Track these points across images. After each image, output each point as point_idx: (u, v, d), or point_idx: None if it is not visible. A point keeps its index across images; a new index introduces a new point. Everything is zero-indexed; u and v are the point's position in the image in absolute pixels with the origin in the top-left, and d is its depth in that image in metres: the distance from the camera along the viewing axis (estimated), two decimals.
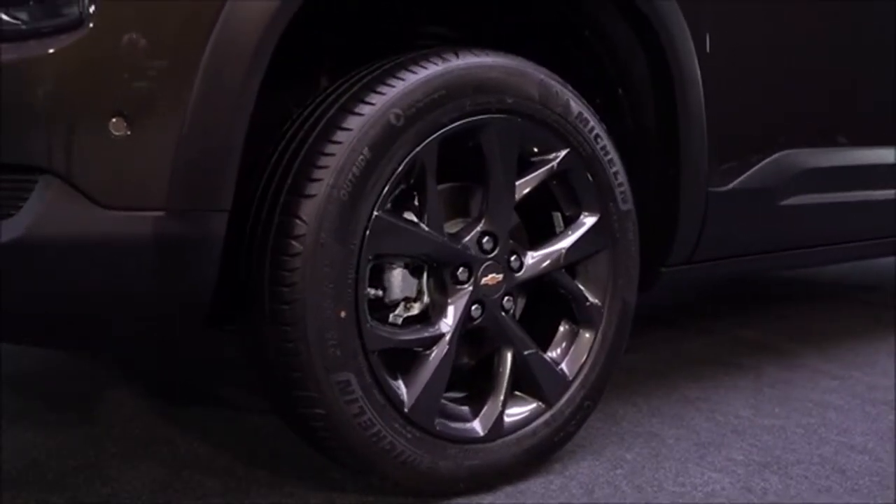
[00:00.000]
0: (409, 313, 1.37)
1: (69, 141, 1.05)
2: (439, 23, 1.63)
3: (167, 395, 1.92)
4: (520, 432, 1.44)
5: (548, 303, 1.53)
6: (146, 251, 1.10)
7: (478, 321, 1.39)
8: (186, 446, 1.60)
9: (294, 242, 1.19)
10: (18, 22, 1.04)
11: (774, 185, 1.80)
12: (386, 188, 1.25)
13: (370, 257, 1.26)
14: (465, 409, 1.42)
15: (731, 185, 1.72)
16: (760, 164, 1.77)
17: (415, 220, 1.32)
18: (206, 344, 2.28)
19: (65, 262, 1.07)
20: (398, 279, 1.33)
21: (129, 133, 1.07)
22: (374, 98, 1.24)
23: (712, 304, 3.07)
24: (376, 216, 1.24)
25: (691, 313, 2.86)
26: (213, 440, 1.62)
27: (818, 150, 1.89)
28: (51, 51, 1.03)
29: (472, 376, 1.48)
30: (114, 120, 1.06)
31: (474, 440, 1.38)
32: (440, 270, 1.36)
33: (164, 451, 1.57)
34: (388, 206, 1.27)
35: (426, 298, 1.37)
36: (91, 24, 1.04)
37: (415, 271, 1.36)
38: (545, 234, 1.50)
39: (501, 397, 1.42)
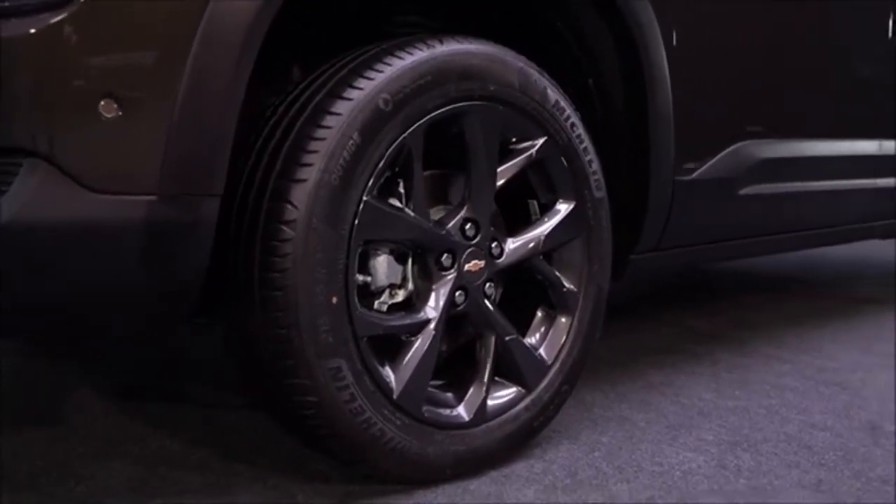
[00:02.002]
0: (394, 300, 1.37)
1: (57, 122, 1.02)
2: (410, 13, 1.63)
3: (129, 393, 1.87)
4: (502, 417, 1.45)
5: (524, 290, 1.55)
6: (137, 237, 1.07)
7: (461, 307, 1.40)
8: (158, 443, 1.56)
9: (285, 227, 1.17)
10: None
11: (733, 175, 1.86)
12: (374, 174, 1.25)
13: (360, 243, 1.25)
14: (449, 395, 1.43)
15: (694, 175, 1.77)
16: (720, 155, 1.82)
17: (400, 206, 1.32)
18: (163, 341, 2.23)
19: (52, 249, 1.04)
20: (384, 266, 1.33)
21: (119, 115, 1.04)
22: (362, 83, 1.24)
23: (660, 295, 3.15)
24: (365, 201, 1.24)
25: (645, 304, 2.92)
26: (184, 437, 1.59)
27: (772, 142, 1.96)
28: (36, 28, 1.00)
29: (449, 363, 1.48)
30: (103, 101, 1.03)
31: (460, 426, 1.39)
32: (425, 257, 1.36)
33: (136, 449, 1.53)
34: (375, 192, 1.27)
35: (410, 285, 1.37)
36: (80, 1, 1.01)
37: (399, 258, 1.36)
38: (521, 222, 1.52)
39: (485, 383, 1.43)
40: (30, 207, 1.01)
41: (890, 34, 2.32)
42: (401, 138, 1.27)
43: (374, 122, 1.23)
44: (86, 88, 1.02)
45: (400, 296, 1.37)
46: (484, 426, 1.42)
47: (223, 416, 1.70)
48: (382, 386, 1.29)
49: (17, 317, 1.07)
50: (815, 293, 3.29)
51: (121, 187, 1.06)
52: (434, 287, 1.37)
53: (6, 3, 1.00)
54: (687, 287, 3.38)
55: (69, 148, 1.02)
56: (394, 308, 1.37)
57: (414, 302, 1.37)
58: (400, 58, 1.27)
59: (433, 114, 1.30)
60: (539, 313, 1.55)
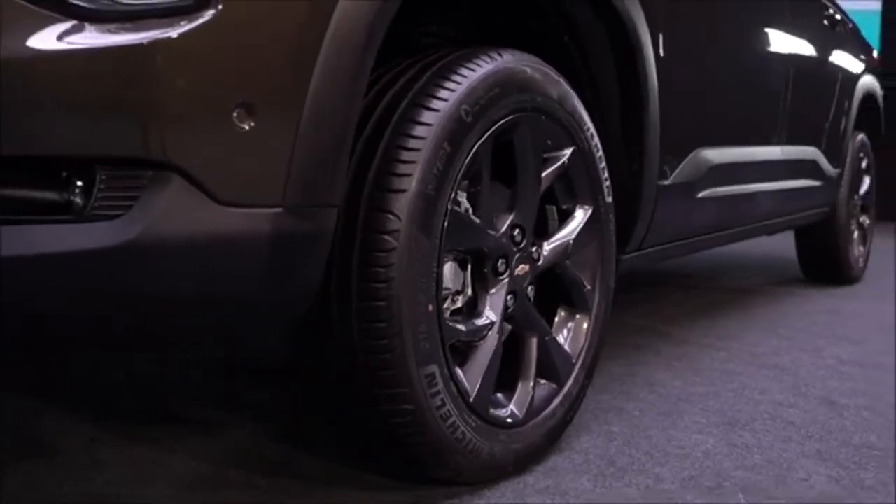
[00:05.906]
0: (454, 306, 1.40)
1: (190, 133, 0.98)
2: (422, 21, 1.66)
3: (106, 415, 1.75)
4: (544, 413, 1.51)
5: (545, 290, 1.62)
6: (262, 251, 1.04)
7: (510, 310, 1.45)
8: (182, 466, 1.48)
9: (388, 238, 1.18)
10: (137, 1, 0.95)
11: (694, 180, 2.03)
12: (456, 183, 1.27)
13: (448, 250, 1.28)
14: (499, 395, 1.47)
15: (669, 180, 1.92)
16: (685, 161, 1.99)
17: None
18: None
19: (180, 265, 0.99)
20: (450, 272, 1.36)
21: (252, 125, 1.01)
22: (443, 94, 1.26)
23: None
24: (451, 210, 1.26)
25: None
26: (206, 456, 1.52)
27: (718, 149, 2.16)
28: (168, 35, 0.95)
29: None
30: (237, 112, 1.00)
31: (517, 424, 1.44)
32: (482, 262, 1.40)
33: (161, 473, 1.45)
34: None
35: (469, 291, 1.41)
36: (219, 7, 0.97)
37: (460, 265, 1.39)
38: (544, 227, 1.59)
39: (531, 382, 1.49)
40: (161, 221, 0.97)
41: (786, 53, 2.62)
42: (475, 147, 1.30)
43: (459, 132, 1.26)
44: (221, 98, 0.99)
45: (459, 302, 1.40)
46: (532, 423, 1.48)
47: (231, 434, 1.64)
48: (462, 390, 1.32)
49: (146, 331, 1.01)
50: (703, 287, 3.60)
51: (248, 200, 1.03)
52: (490, 292, 1.41)
53: (143, 7, 0.95)
54: None
55: (202, 160, 0.98)
56: (454, 314, 1.40)
57: (474, 307, 1.41)
58: (472, 69, 1.31)
59: (498, 124, 1.35)
60: (561, 312, 1.63)
